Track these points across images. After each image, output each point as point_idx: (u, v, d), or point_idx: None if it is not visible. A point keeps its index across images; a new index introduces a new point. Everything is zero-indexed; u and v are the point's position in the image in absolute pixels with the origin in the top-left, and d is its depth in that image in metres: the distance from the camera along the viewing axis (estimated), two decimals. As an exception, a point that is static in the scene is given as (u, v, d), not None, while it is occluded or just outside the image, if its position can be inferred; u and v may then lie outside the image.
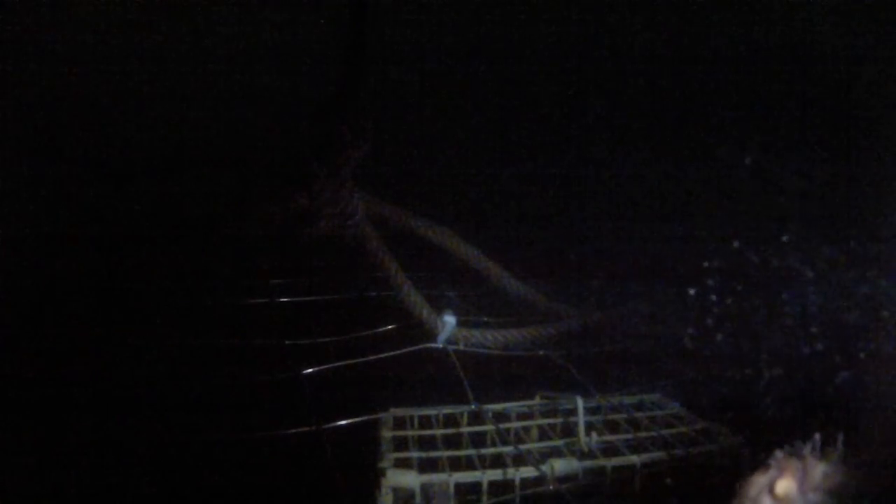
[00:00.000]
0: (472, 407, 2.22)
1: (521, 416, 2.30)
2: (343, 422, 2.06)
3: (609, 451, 2.01)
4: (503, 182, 3.82)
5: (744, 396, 2.37)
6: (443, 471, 1.87)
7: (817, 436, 1.47)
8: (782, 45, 3.14)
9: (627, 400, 2.40)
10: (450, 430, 2.18)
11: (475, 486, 1.86)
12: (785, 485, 1.39)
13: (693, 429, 2.15)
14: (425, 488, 1.83)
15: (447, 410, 2.28)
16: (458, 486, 1.84)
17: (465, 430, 2.19)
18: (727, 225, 3.23)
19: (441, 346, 2.46)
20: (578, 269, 3.35)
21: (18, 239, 2.84)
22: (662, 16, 3.32)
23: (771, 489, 1.40)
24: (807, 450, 1.44)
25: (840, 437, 1.49)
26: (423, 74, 3.51)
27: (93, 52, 3.15)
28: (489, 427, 2.19)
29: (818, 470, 1.41)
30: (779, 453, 1.45)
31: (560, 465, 1.88)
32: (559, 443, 2.09)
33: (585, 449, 2.01)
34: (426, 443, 2.10)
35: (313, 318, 2.63)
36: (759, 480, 1.42)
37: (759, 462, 1.49)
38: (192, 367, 2.41)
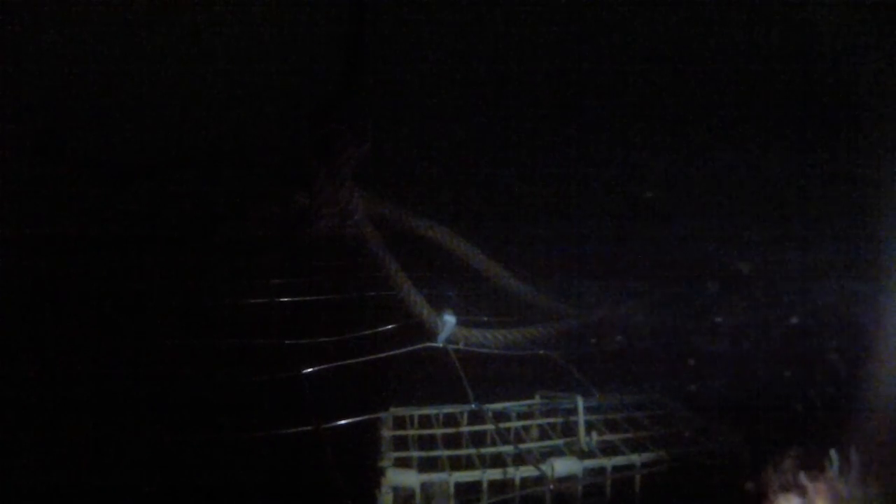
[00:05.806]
0: (472, 406, 2.22)
1: (521, 416, 2.29)
2: (343, 422, 2.06)
3: (609, 450, 2.01)
4: (503, 182, 3.81)
5: (744, 396, 2.37)
6: (443, 470, 1.87)
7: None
8: (782, 45, 3.14)
9: (627, 399, 2.40)
10: (450, 430, 2.18)
11: (475, 486, 1.86)
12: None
13: (693, 429, 2.15)
14: (425, 488, 1.83)
15: (447, 410, 2.28)
16: (457, 485, 1.84)
17: (465, 429, 2.19)
18: (727, 225, 3.23)
19: (441, 345, 2.46)
20: (578, 269, 3.34)
21: (18, 239, 2.83)
22: (662, 15, 3.32)
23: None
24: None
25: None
26: (423, 74, 3.50)
27: (93, 52, 3.15)
28: (489, 427, 2.19)
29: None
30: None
31: (560, 465, 1.87)
32: (559, 442, 2.09)
33: (585, 448, 2.01)
34: (426, 442, 2.10)
35: (313, 318, 2.63)
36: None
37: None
38: (192, 367, 2.41)
